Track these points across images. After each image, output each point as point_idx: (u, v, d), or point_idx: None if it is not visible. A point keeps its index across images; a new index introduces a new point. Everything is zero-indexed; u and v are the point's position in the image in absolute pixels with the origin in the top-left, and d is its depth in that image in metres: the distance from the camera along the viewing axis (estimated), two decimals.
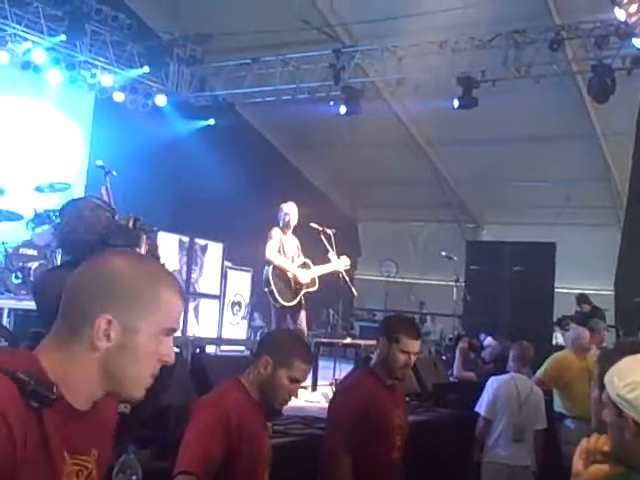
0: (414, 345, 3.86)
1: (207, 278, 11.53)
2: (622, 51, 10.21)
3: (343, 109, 12.23)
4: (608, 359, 2.25)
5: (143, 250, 3.95)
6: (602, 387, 2.06)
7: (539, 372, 7.00)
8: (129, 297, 1.58)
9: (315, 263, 8.63)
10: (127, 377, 1.60)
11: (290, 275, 8.24)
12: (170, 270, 1.74)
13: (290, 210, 8.32)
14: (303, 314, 8.37)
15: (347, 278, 8.67)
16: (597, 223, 16.04)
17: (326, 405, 5.41)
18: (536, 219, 16.12)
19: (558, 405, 6.97)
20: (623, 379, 1.92)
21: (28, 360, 1.53)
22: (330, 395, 7.11)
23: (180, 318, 1.67)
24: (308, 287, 8.35)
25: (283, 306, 8.17)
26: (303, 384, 8.15)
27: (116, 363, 1.58)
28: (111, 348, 1.56)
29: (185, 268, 11.12)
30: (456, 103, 11.37)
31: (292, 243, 8.43)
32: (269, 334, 3.64)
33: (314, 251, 8.73)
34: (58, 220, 8.29)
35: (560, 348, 8.78)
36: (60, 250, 7.47)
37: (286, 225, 8.33)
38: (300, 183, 16.51)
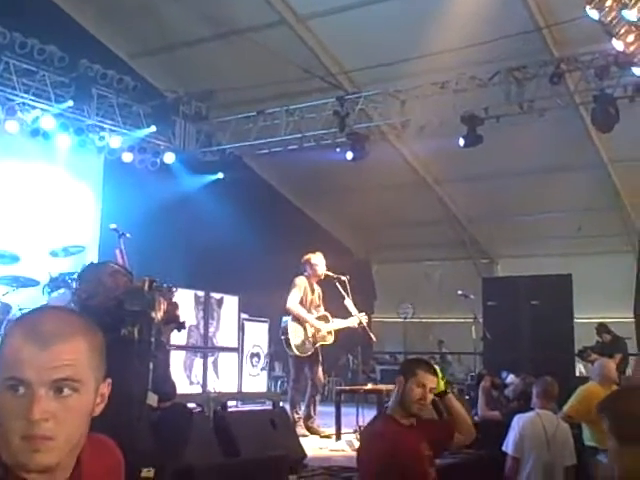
0: (430, 380, 3.91)
1: (224, 331, 11.56)
2: (623, 79, 10.19)
3: (350, 155, 12.22)
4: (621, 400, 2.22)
5: (161, 311, 3.97)
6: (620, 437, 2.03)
7: (566, 407, 6.84)
8: None
9: (331, 310, 8.70)
10: (1, 442, 1.41)
11: (308, 327, 8.32)
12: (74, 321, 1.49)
13: (319, 261, 8.54)
14: (319, 365, 8.48)
15: (366, 327, 8.73)
16: (611, 250, 15.99)
17: (351, 453, 5.35)
18: (549, 250, 16.05)
19: (589, 439, 6.74)
20: None
21: None
22: (354, 443, 7.08)
23: (26, 364, 1.39)
24: (324, 340, 8.45)
25: (298, 356, 8.27)
26: (327, 433, 8.22)
27: None
28: None
29: (202, 323, 11.17)
30: (462, 142, 11.34)
31: (317, 293, 8.58)
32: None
33: (330, 298, 8.79)
34: (75, 285, 8.35)
35: (584, 380, 8.67)
36: None
37: (314, 275, 8.50)
38: (312, 230, 16.56)
